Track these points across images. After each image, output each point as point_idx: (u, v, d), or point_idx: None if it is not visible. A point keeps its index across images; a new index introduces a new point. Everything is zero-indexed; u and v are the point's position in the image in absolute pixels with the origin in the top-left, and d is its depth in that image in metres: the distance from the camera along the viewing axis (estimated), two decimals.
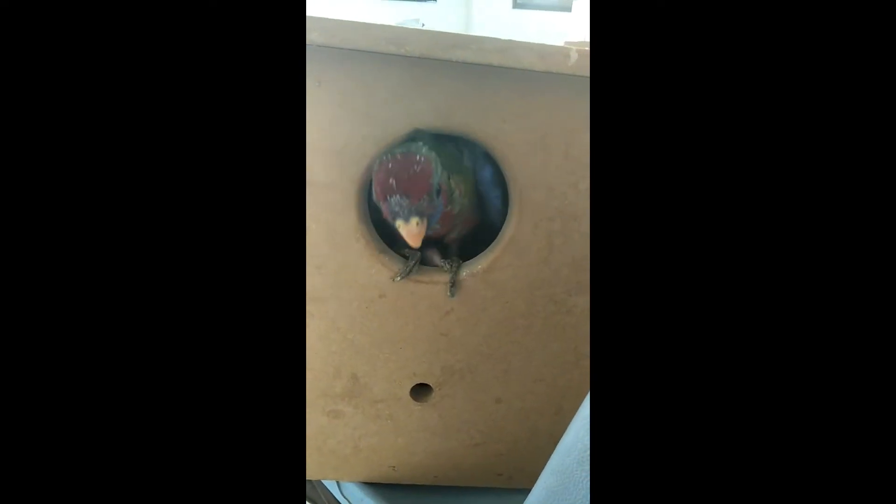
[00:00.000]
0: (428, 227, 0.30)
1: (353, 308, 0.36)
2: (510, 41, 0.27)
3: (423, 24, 2.10)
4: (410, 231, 0.28)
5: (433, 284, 0.36)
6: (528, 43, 0.27)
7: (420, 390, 0.41)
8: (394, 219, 0.29)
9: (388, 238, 0.37)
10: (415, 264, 0.35)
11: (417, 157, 0.28)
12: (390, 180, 0.28)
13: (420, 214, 0.28)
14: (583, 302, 0.38)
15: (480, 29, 2.18)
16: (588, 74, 0.28)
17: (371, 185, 0.31)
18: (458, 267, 0.36)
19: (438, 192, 0.29)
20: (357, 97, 0.29)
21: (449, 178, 0.31)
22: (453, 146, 0.33)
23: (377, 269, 0.35)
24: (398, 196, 0.28)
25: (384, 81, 0.29)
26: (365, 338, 0.38)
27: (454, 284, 0.36)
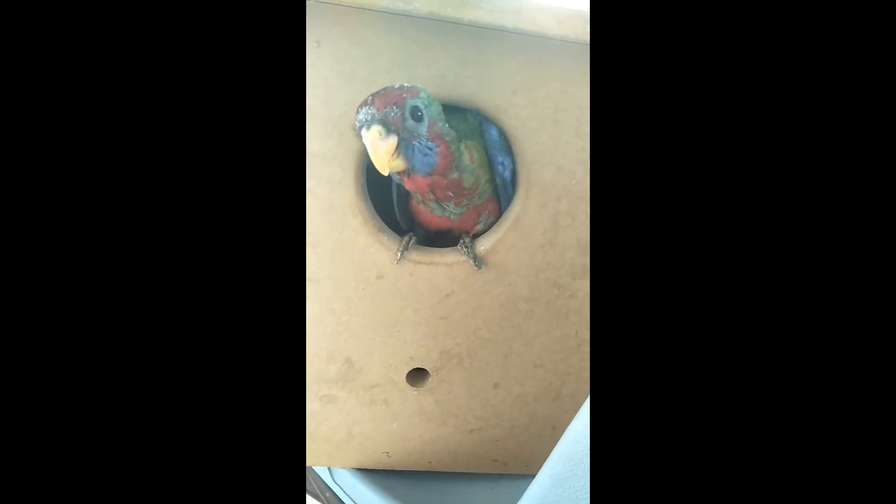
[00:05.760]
0: (415, 162, 0.27)
1: (349, 289, 0.34)
2: (525, 2, 0.25)
3: None
4: (374, 143, 0.25)
5: (433, 266, 0.35)
6: (545, 4, 0.25)
7: (416, 375, 0.39)
8: (359, 132, 0.26)
9: (387, 219, 0.35)
10: (409, 240, 0.34)
11: (403, 84, 0.26)
12: (368, 98, 0.25)
13: (384, 126, 0.25)
14: (587, 286, 0.37)
15: None
16: None
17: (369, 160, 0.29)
18: (473, 242, 0.35)
19: (420, 117, 0.26)
20: (358, 61, 0.27)
21: (459, 140, 0.29)
22: (461, 114, 0.31)
23: (375, 249, 0.34)
24: (367, 106, 0.25)
25: (388, 44, 0.27)
26: (361, 320, 0.36)
27: (476, 258, 0.34)
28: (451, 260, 0.35)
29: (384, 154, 0.25)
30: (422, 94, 0.27)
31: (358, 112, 0.26)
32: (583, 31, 0.25)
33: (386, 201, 0.37)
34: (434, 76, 0.28)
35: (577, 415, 0.24)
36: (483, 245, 0.35)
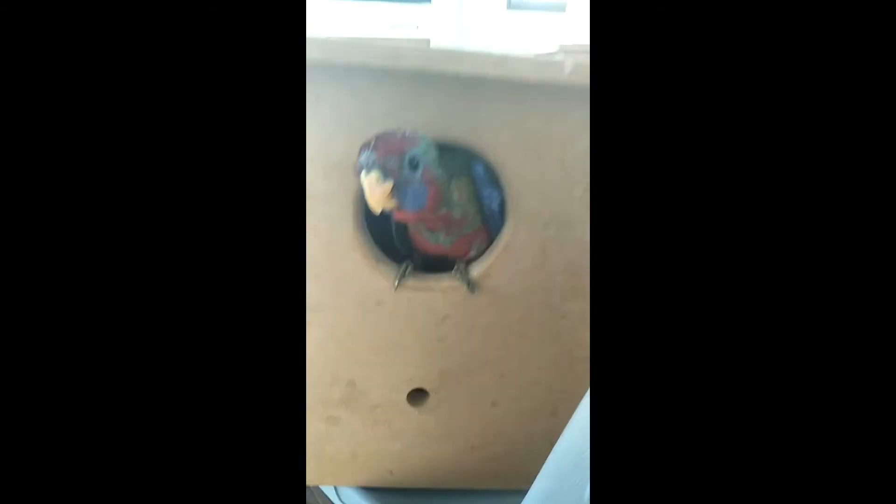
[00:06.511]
0: (406, 202, 0.29)
1: (350, 316, 0.37)
2: (505, 55, 0.27)
3: (418, 27, 2.10)
4: (371, 185, 0.27)
5: (430, 291, 0.37)
6: (523, 55, 0.27)
7: (417, 395, 0.41)
8: (359, 172, 0.28)
9: (387, 249, 0.37)
10: (406, 268, 0.36)
11: (405, 131, 0.29)
12: (371, 140, 0.28)
13: (384, 172, 0.27)
14: (577, 306, 0.39)
15: (475, 30, 2.18)
16: (583, 83, 0.28)
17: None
18: (467, 268, 0.37)
19: (416, 165, 0.29)
20: (354, 111, 0.30)
21: (449, 180, 0.31)
22: (450, 152, 0.34)
23: (374, 278, 0.36)
24: (368, 150, 0.28)
25: (380, 95, 0.29)
26: (362, 345, 0.38)
27: (470, 283, 0.36)
28: (446, 285, 0.37)
29: (379, 197, 0.28)
30: (421, 144, 0.29)
31: (360, 153, 0.28)
32: (559, 76, 0.28)
33: (386, 228, 0.39)
34: (424, 121, 0.31)
35: (563, 432, 0.25)
36: (476, 270, 0.37)
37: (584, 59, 0.28)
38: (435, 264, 0.38)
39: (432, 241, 0.35)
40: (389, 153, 0.28)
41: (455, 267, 0.37)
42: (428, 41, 1.92)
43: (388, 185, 0.28)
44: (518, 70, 0.28)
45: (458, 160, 0.33)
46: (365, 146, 0.28)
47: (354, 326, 0.37)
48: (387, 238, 0.38)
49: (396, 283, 0.36)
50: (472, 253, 0.37)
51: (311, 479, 0.43)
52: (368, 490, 0.44)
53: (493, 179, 0.34)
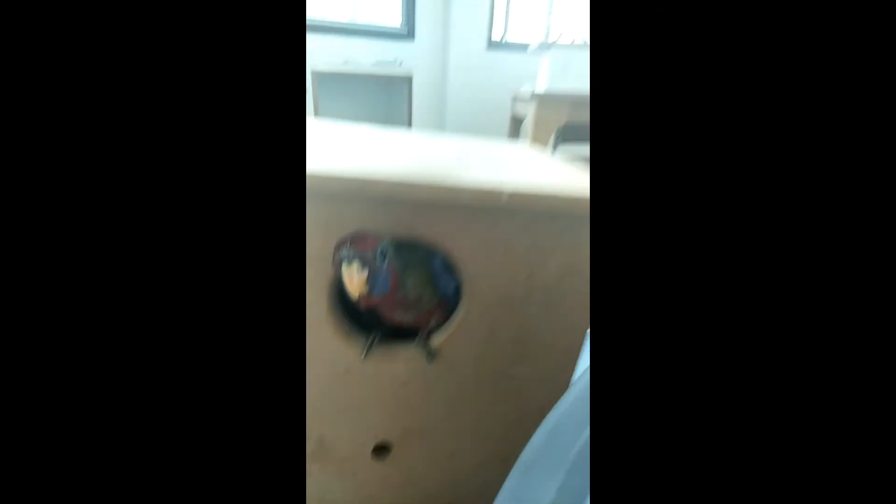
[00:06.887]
0: (374, 288, 0.35)
1: (322, 382, 0.41)
2: (453, 187, 0.33)
3: (401, 63, 2.19)
4: (351, 275, 0.33)
5: (393, 361, 0.42)
6: (469, 188, 0.33)
7: (381, 450, 0.46)
8: (340, 264, 0.33)
9: (357, 324, 0.42)
10: (374, 339, 0.41)
11: (373, 232, 0.35)
12: (347, 240, 0.34)
13: (362, 262, 0.33)
14: (524, 371, 0.44)
15: (457, 67, 2.28)
16: (518, 205, 0.35)
17: (341, 281, 0.36)
18: (427, 338, 0.42)
19: (384, 256, 0.35)
20: (329, 218, 0.35)
21: (405, 269, 0.37)
22: (412, 246, 0.39)
23: (344, 349, 0.41)
24: (347, 246, 0.33)
25: (354, 209, 0.35)
26: (332, 406, 0.43)
27: (430, 353, 0.42)
28: (408, 355, 0.42)
29: (358, 284, 0.33)
30: (384, 242, 0.35)
31: (340, 249, 0.33)
32: (498, 202, 0.34)
33: (356, 312, 0.44)
34: (394, 224, 0.36)
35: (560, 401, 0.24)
36: (435, 341, 0.42)
37: (521, 186, 0.35)
38: (400, 332, 0.43)
39: (397, 317, 0.41)
40: (365, 248, 0.33)
41: (417, 338, 0.42)
42: (410, 78, 1.99)
43: (365, 273, 0.33)
44: (465, 198, 0.34)
45: (419, 253, 0.39)
46: (342, 243, 0.33)
47: (325, 390, 0.42)
48: (357, 312, 0.44)
49: (364, 354, 0.41)
50: (433, 323, 0.43)
51: None
52: None
53: (450, 268, 0.40)
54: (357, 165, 0.34)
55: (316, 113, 2.00)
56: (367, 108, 2.33)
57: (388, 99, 2.34)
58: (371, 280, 0.34)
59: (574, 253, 0.39)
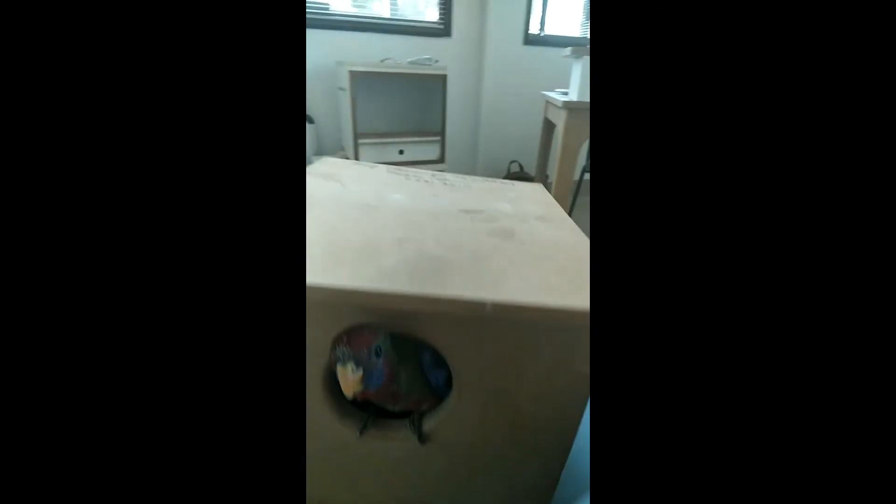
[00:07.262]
0: (370, 384, 0.36)
1: (318, 458, 0.44)
2: (438, 297, 0.33)
3: (437, 61, 2.16)
4: (345, 375, 0.34)
5: (387, 439, 0.44)
6: (454, 298, 0.34)
7: None
8: (335, 363, 0.34)
9: (353, 403, 0.44)
10: (369, 418, 0.43)
11: (368, 328, 0.35)
12: (343, 336, 0.35)
13: (356, 363, 0.34)
14: (516, 454, 0.45)
15: (493, 64, 2.22)
16: (500, 316, 0.34)
17: (335, 368, 0.38)
18: (419, 421, 0.43)
19: (378, 353, 0.35)
20: (328, 322, 0.37)
21: (399, 363, 0.38)
22: (402, 341, 0.40)
23: (339, 429, 0.43)
24: (342, 345, 0.34)
25: (349, 312, 0.36)
26: (327, 479, 0.45)
27: (421, 435, 0.43)
28: (402, 436, 0.43)
29: (352, 384, 0.35)
30: (381, 337, 0.36)
31: (335, 347, 0.35)
32: (483, 313, 0.34)
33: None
34: (384, 321, 0.37)
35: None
36: (427, 425, 0.43)
37: (503, 298, 0.34)
38: (394, 413, 0.45)
39: (389, 406, 0.42)
40: (360, 346, 0.34)
41: (409, 419, 0.43)
42: (445, 77, 1.96)
43: (360, 373, 0.34)
44: (449, 310, 0.34)
45: (408, 347, 0.40)
46: (338, 341, 0.35)
47: (321, 466, 0.44)
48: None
49: (360, 433, 0.43)
50: (424, 408, 0.44)
51: None
52: None
53: (439, 362, 0.41)
54: (339, 272, 0.35)
55: (353, 111, 2.02)
56: (402, 107, 2.33)
57: (422, 98, 2.32)
58: (366, 379, 0.35)
59: (563, 349, 0.39)
